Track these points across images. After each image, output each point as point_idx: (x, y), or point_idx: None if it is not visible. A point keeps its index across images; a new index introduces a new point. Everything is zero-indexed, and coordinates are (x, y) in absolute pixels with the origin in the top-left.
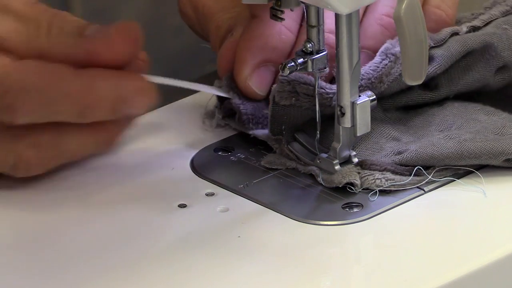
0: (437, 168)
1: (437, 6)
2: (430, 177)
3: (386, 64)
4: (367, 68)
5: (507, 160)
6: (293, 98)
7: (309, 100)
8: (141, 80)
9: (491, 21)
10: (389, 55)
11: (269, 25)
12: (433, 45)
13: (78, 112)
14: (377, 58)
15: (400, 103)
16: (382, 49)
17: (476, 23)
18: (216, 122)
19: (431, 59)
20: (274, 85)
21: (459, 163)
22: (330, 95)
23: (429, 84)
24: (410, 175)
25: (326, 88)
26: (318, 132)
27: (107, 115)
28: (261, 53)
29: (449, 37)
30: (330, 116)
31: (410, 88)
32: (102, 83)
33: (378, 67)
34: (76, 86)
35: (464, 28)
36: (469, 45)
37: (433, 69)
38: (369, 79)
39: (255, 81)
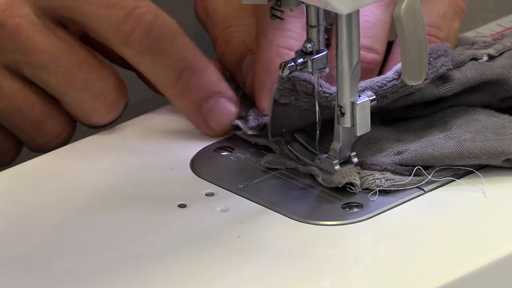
0: (437, 168)
1: (431, 24)
2: (430, 177)
3: (395, 84)
4: (373, 83)
5: (507, 160)
6: (293, 97)
7: (308, 99)
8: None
9: (504, 51)
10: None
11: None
12: (452, 67)
13: (178, 72)
14: (389, 74)
15: (401, 116)
16: (397, 67)
17: (491, 51)
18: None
19: (447, 79)
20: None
21: (459, 163)
22: (327, 95)
23: (435, 99)
24: (410, 175)
25: (325, 87)
26: (318, 132)
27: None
28: None
29: (469, 61)
30: (330, 119)
31: (415, 104)
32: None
33: (385, 85)
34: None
35: (484, 57)
36: (486, 75)
37: (445, 90)
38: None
39: None
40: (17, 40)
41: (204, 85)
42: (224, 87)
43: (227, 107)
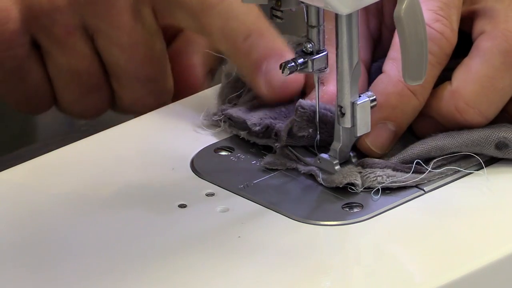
0: (435, 160)
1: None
2: (429, 169)
3: None
4: None
5: (497, 146)
6: (311, 129)
7: (326, 130)
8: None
9: None
10: None
11: (393, 84)
12: None
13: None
14: None
15: None
16: None
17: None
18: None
19: None
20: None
21: (456, 150)
22: (306, 110)
23: None
24: (411, 172)
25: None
26: (318, 132)
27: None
28: (380, 111)
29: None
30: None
31: None
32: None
33: None
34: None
35: None
36: None
37: None
38: None
39: (371, 138)
40: (108, 11)
41: (268, 46)
42: (288, 51)
43: None
